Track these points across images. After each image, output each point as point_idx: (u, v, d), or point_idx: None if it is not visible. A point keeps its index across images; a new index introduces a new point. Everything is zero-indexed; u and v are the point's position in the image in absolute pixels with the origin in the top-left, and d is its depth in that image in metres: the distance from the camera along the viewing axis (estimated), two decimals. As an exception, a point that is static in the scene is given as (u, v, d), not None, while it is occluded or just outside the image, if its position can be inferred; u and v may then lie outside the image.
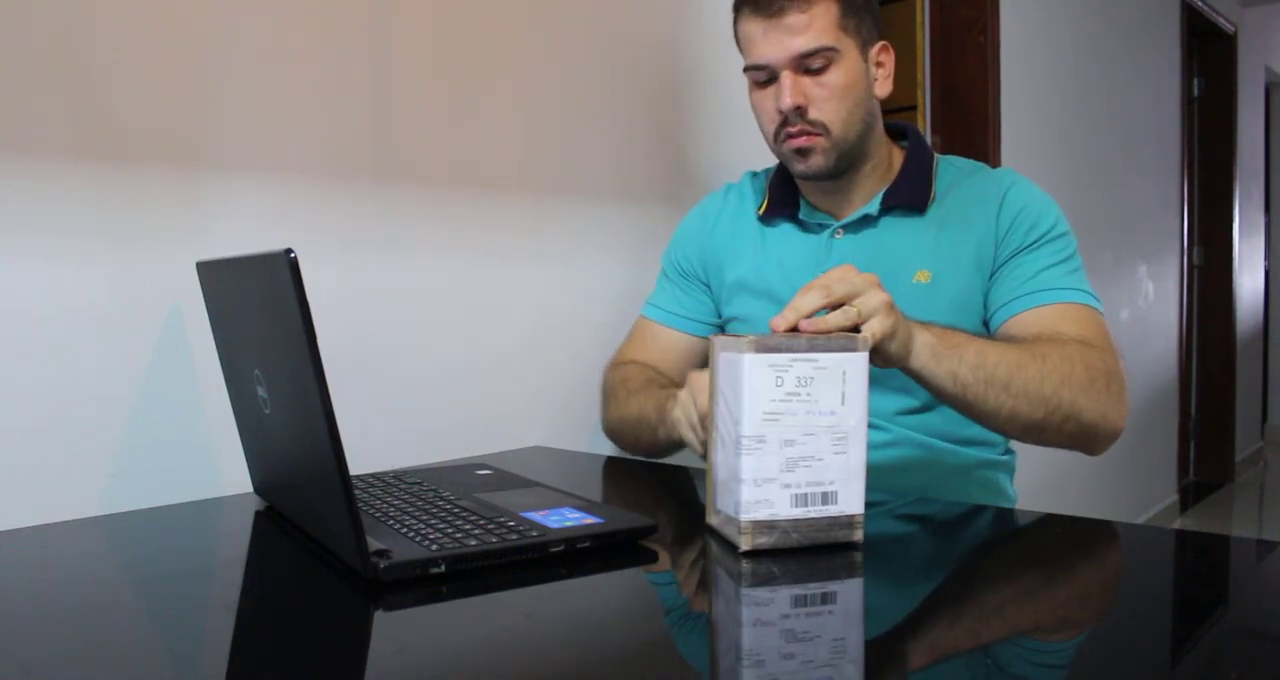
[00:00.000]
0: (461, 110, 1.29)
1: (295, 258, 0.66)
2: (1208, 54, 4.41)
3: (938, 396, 0.97)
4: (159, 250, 1.01)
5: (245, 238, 1.07)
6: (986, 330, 1.13)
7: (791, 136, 1.13)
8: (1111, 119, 3.30)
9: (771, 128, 1.15)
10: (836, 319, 0.82)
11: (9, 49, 0.91)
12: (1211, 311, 4.48)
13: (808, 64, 1.09)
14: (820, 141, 1.12)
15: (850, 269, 0.87)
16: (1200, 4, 4.03)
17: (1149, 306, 3.63)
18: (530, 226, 1.37)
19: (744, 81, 1.18)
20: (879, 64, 1.16)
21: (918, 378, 0.94)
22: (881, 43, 1.16)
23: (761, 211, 1.26)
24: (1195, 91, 4.36)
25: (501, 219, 1.34)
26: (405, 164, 1.23)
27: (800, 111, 1.11)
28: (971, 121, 2.50)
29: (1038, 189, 1.17)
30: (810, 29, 1.08)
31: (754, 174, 1.33)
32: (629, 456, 1.31)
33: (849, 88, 1.11)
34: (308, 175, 1.13)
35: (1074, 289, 1.09)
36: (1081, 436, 1.01)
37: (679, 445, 1.17)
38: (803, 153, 1.13)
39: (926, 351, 0.92)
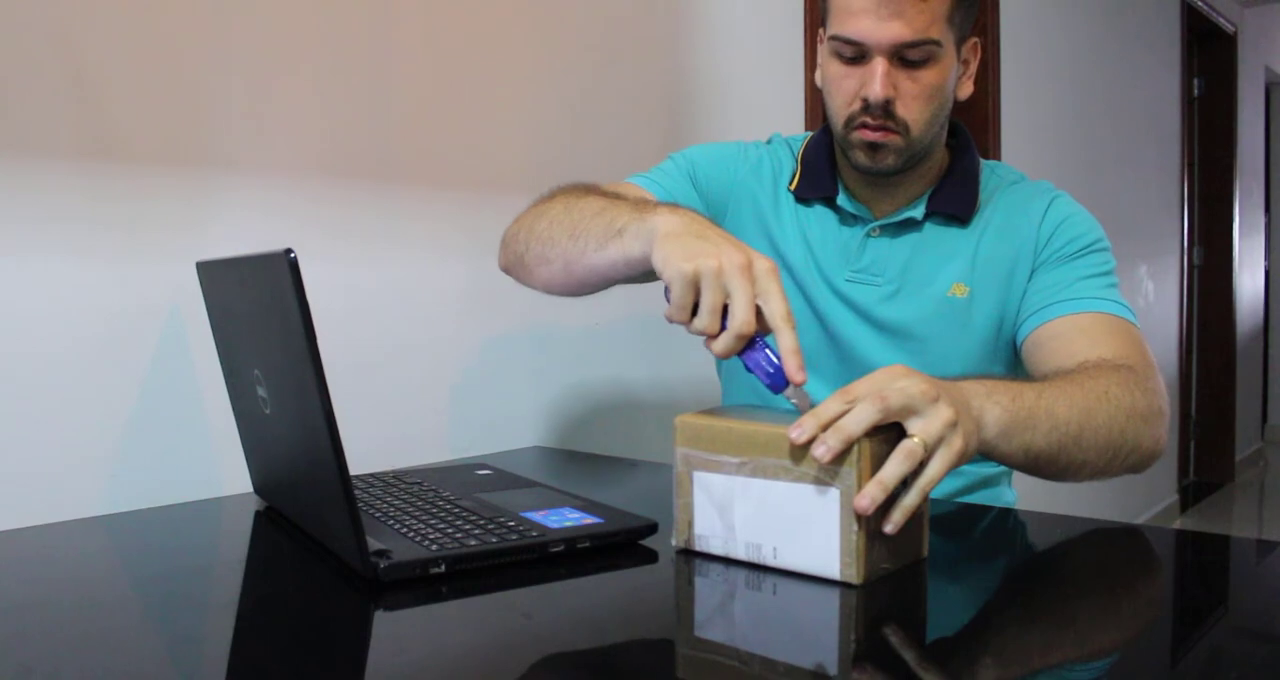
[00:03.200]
0: (461, 110, 1.28)
1: (295, 258, 0.66)
2: (1208, 54, 4.41)
3: (1005, 465, 0.92)
4: (159, 250, 1.01)
5: (245, 237, 1.07)
6: (1014, 342, 1.09)
7: (868, 127, 1.04)
8: (1111, 119, 3.30)
9: (846, 111, 1.05)
10: (897, 467, 0.70)
11: (9, 49, 0.91)
12: (1211, 311, 4.48)
13: (907, 55, 1.00)
14: (896, 140, 1.04)
15: (901, 371, 0.74)
16: (1200, 4, 4.03)
17: (1149, 306, 3.63)
18: (530, 226, 1.37)
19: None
20: (965, 62, 1.08)
21: (988, 454, 0.86)
22: (974, 39, 1.07)
23: (793, 187, 1.17)
24: (1195, 91, 4.36)
25: (501, 219, 1.34)
26: (405, 164, 1.23)
27: (888, 105, 1.02)
28: (971, 121, 2.50)
29: (1081, 206, 1.13)
30: (922, 17, 0.98)
31: (784, 140, 1.23)
32: (629, 457, 1.30)
33: (939, 88, 1.03)
34: (307, 175, 1.13)
35: (1110, 301, 1.05)
36: (1137, 466, 0.95)
37: (612, 278, 0.92)
38: (875, 148, 1.04)
39: (996, 430, 0.83)
